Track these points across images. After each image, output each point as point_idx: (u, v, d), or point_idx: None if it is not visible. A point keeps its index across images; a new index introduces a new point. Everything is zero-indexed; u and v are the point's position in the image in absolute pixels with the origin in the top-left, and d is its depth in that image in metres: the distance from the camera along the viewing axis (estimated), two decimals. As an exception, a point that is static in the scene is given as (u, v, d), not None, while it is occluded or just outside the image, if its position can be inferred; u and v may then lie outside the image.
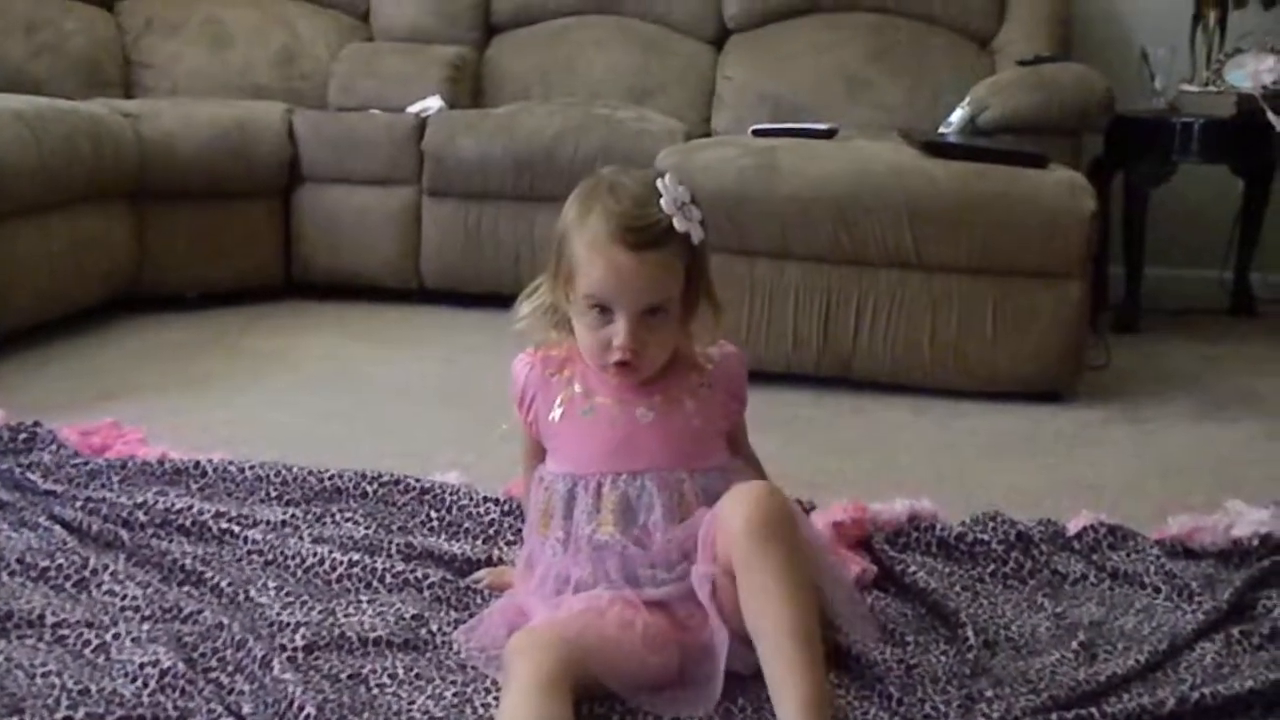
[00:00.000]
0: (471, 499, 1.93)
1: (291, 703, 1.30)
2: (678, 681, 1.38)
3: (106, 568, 1.65)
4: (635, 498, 1.47)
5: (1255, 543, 1.79)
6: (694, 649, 1.39)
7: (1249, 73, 3.43)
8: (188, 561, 1.69)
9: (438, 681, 1.41)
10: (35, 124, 3.02)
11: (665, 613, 1.42)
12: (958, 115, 3.24)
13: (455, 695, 1.38)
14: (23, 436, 2.16)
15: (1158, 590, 1.69)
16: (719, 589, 1.37)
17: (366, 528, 1.84)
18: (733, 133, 3.52)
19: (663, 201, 1.44)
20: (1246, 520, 1.83)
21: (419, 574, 1.66)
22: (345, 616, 1.55)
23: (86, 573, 1.64)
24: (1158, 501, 2.01)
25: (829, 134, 3.10)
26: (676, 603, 1.42)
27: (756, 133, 3.12)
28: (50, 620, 1.51)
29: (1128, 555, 1.79)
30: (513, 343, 1.59)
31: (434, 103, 3.73)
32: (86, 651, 1.46)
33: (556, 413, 1.53)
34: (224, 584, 1.63)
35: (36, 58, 3.82)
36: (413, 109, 3.71)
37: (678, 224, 1.43)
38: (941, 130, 3.27)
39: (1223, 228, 3.78)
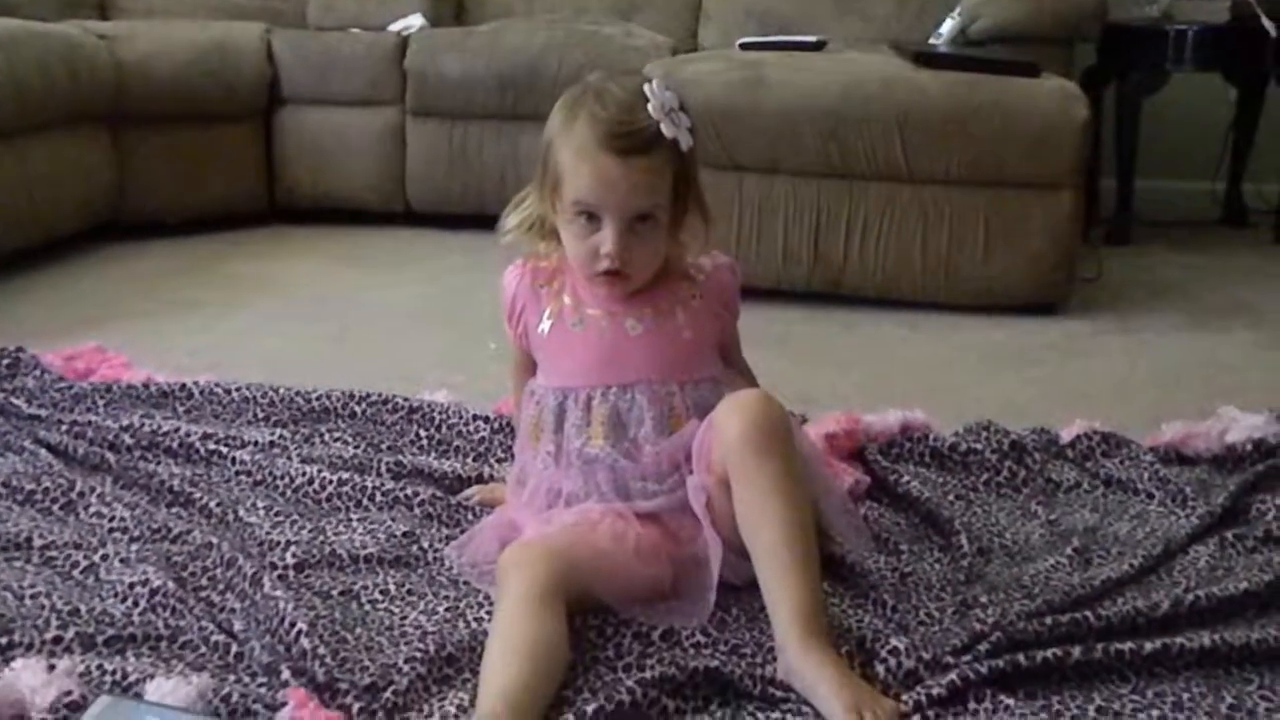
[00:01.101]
0: (461, 417, 1.91)
1: (283, 619, 1.29)
2: (671, 593, 1.37)
3: (93, 490, 1.63)
4: (625, 411, 1.45)
5: (1248, 448, 1.79)
6: (686, 561, 1.39)
7: (1244, -23, 3.38)
8: (175, 483, 1.68)
9: (430, 597, 1.40)
10: (8, 46, 2.96)
11: (657, 525, 1.41)
12: (948, 25, 3.19)
13: (448, 610, 1.37)
14: (5, 362, 2.14)
15: (1151, 496, 1.68)
16: (713, 500, 1.36)
17: (355, 447, 1.83)
18: (720, 47, 3.46)
19: (650, 107, 1.40)
20: (1240, 426, 1.83)
21: (409, 492, 1.65)
22: (335, 535, 1.54)
23: (73, 495, 1.63)
24: (1151, 409, 2.01)
25: (818, 46, 3.05)
26: (668, 515, 1.42)
27: (744, 46, 3.07)
28: (38, 542, 1.50)
29: (1121, 462, 1.79)
30: (500, 261, 1.57)
31: (415, 21, 3.66)
32: (75, 572, 1.45)
33: (546, 325, 1.50)
34: (213, 504, 1.62)
35: (8, -21, 3.73)
36: (394, 27, 3.64)
37: (665, 130, 1.39)
38: (932, 41, 3.22)
39: (1215, 138, 3.74)
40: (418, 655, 1.24)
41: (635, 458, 1.44)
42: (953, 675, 1.21)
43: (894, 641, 1.26)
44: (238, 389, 2.01)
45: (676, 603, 1.36)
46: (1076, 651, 1.24)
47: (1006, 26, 3.13)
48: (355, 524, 1.57)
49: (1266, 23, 3.26)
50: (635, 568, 1.36)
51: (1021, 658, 1.23)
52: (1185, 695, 1.22)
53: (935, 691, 1.19)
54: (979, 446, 1.80)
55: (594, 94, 1.42)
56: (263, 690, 1.21)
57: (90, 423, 1.87)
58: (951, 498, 1.68)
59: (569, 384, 1.48)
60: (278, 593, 1.35)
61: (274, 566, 1.44)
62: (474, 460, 1.81)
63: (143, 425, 1.85)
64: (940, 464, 1.79)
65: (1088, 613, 1.32)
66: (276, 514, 1.61)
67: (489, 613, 1.35)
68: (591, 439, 1.45)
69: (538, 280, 1.52)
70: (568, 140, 1.40)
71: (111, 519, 1.58)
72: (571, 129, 1.41)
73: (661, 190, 1.41)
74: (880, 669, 1.24)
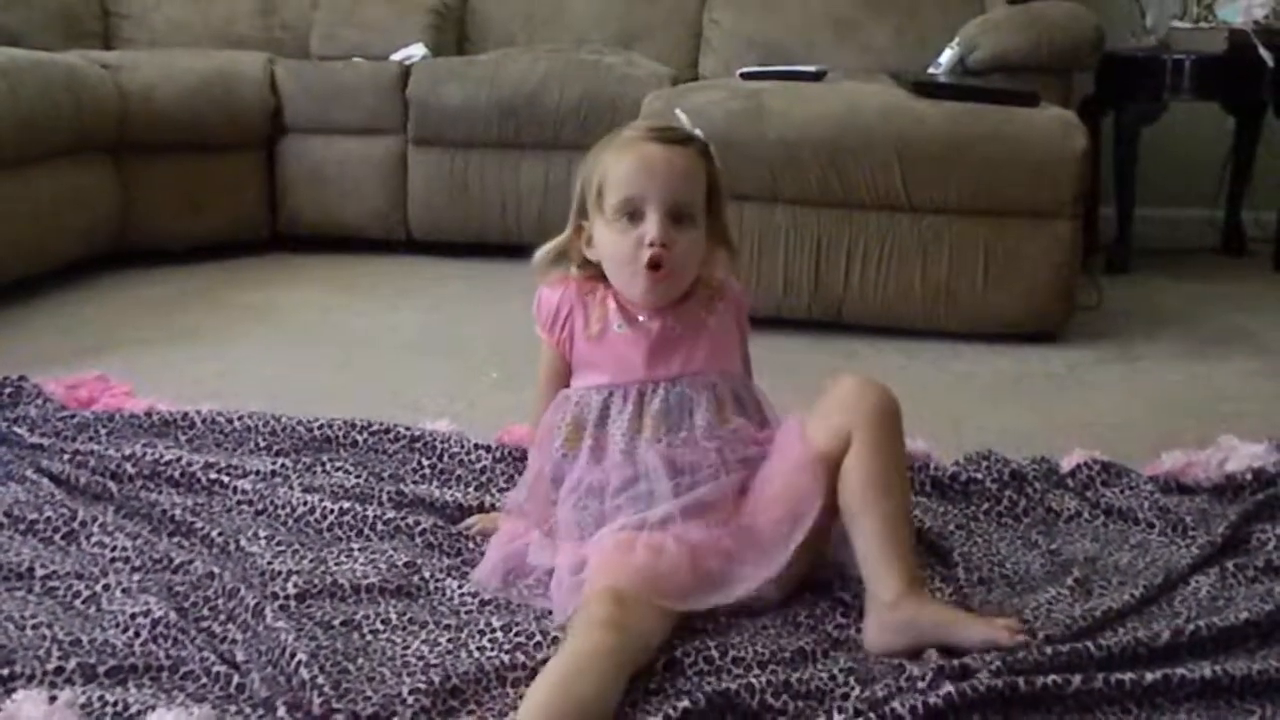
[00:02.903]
0: (462, 446, 1.92)
1: (284, 650, 1.30)
2: (715, 583, 1.39)
3: (95, 519, 1.63)
4: (677, 404, 1.51)
5: (1248, 477, 1.79)
6: (731, 547, 1.41)
7: (1240, 7, 3.41)
8: (177, 512, 1.68)
9: (431, 627, 1.40)
10: (12, 76, 2.98)
11: (699, 518, 1.43)
12: (947, 55, 3.21)
13: (450, 641, 1.37)
14: (8, 391, 2.14)
15: (1152, 526, 1.68)
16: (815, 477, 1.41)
17: (357, 476, 1.83)
18: (720, 77, 3.48)
19: (682, 121, 1.59)
20: (1240, 455, 1.83)
21: (410, 521, 1.65)
22: (337, 564, 1.54)
23: (75, 525, 1.62)
24: (1151, 438, 2.01)
25: (818, 76, 3.07)
26: (708, 510, 1.44)
27: (744, 76, 3.09)
28: (40, 573, 1.50)
29: (1122, 491, 1.79)
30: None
31: (417, 50, 3.68)
32: (77, 603, 1.45)
33: (595, 328, 1.56)
34: (214, 534, 1.62)
35: (11, 9, 3.75)
36: (396, 57, 3.66)
37: (699, 135, 1.57)
38: (931, 71, 3.24)
39: (1214, 166, 3.76)
40: (422, 687, 1.24)
41: (691, 446, 1.48)
42: (949, 688, 1.21)
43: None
44: (240, 418, 2.01)
45: (719, 593, 1.38)
46: (1076, 680, 1.24)
47: (1005, 56, 3.15)
48: (357, 554, 1.57)
49: (1264, 53, 3.29)
50: (677, 577, 1.37)
51: (1021, 682, 1.23)
52: (1187, 726, 1.21)
53: (931, 700, 1.20)
54: (979, 476, 1.80)
55: (630, 123, 1.60)
56: (264, 721, 1.21)
57: (92, 452, 1.88)
58: (952, 527, 1.68)
59: (616, 381, 1.53)
60: (279, 623, 1.35)
61: (275, 596, 1.44)
62: (475, 490, 1.80)
63: (145, 454, 1.86)
64: (941, 493, 1.80)
65: (1089, 643, 1.32)
66: (278, 544, 1.60)
67: (491, 641, 1.35)
68: (642, 432, 1.49)
69: (583, 290, 1.59)
70: (612, 145, 1.54)
71: (113, 549, 1.57)
72: (616, 138, 1.55)
73: (698, 190, 1.52)
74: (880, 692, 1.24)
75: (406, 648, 1.36)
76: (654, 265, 1.49)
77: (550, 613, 1.41)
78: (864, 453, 1.38)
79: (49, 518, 1.64)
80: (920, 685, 1.24)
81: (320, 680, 1.24)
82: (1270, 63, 3.29)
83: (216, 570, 1.49)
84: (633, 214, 1.49)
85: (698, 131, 1.57)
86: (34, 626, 1.37)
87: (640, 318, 1.55)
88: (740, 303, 1.64)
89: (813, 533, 1.42)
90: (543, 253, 1.60)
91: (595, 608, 1.29)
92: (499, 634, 1.37)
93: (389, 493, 1.74)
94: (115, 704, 1.22)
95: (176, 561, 1.54)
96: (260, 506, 1.72)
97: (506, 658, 1.31)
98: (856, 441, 1.39)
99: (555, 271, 1.60)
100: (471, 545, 1.62)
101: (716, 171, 1.56)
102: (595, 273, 1.57)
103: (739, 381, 1.58)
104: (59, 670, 1.27)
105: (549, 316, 1.59)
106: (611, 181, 1.50)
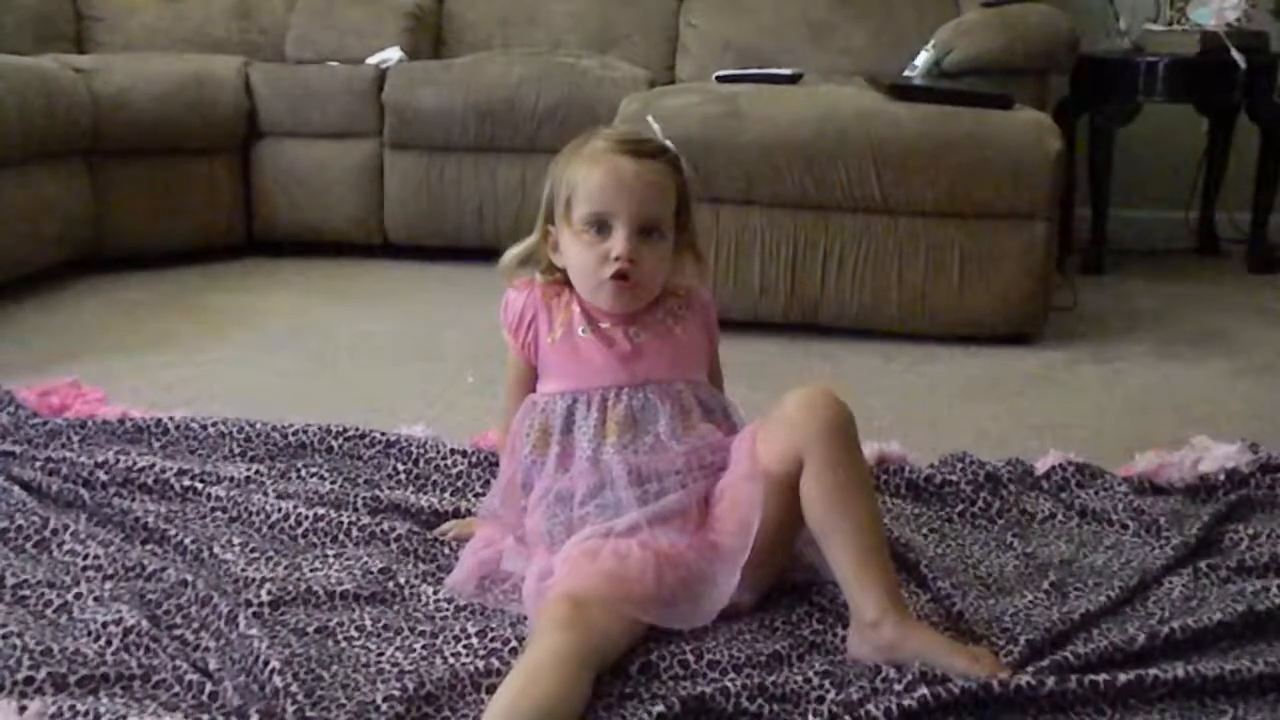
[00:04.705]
0: (438, 451, 1.91)
1: (258, 658, 1.29)
2: (683, 596, 1.38)
3: (67, 528, 1.62)
4: (639, 409, 1.50)
5: (1222, 478, 1.81)
6: (694, 563, 1.40)
7: (1213, 10, 3.42)
8: (150, 520, 1.67)
9: (406, 633, 1.40)
10: (-16, 80, 2.96)
11: (666, 526, 1.43)
12: (923, 58, 3.22)
13: (424, 647, 1.37)
14: (-21, 398, 2.13)
15: (1126, 527, 1.69)
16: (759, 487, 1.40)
17: (332, 482, 1.82)
18: (697, 80, 3.48)
19: (654, 130, 1.57)
20: (1213, 456, 1.84)
21: (386, 527, 1.64)
22: (311, 571, 1.54)
23: (47, 533, 1.61)
24: (1125, 439, 2.02)
25: (794, 79, 3.07)
26: (675, 518, 1.43)
27: (721, 79, 3.09)
28: (10, 581, 1.48)
29: (1096, 493, 1.80)
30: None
31: (393, 54, 3.67)
32: (48, 611, 1.44)
33: (558, 333, 1.55)
34: (187, 541, 1.61)
35: (-17, 13, 3.73)
36: (372, 60, 3.65)
37: (669, 147, 1.53)
38: (907, 74, 3.25)
39: (1188, 167, 3.79)
40: (396, 694, 1.23)
41: (657, 453, 1.48)
42: (924, 690, 1.21)
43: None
44: (214, 424, 2.00)
45: (688, 607, 1.38)
46: (1050, 681, 1.25)
47: (980, 59, 3.16)
48: (331, 560, 1.57)
49: (1236, 54, 3.31)
50: (643, 582, 1.36)
51: (995, 684, 1.24)
52: (1160, 727, 1.22)
53: (906, 703, 1.20)
54: (954, 478, 1.80)
55: (601, 128, 1.56)
56: (237, 730, 1.20)
57: (65, 459, 1.86)
58: (926, 530, 1.69)
59: (580, 387, 1.52)
60: (253, 631, 1.34)
61: (249, 604, 1.43)
62: (451, 495, 1.80)
63: (118, 461, 1.84)
64: (915, 495, 1.80)
65: (1067, 654, 1.32)
66: (252, 550, 1.60)
67: (466, 647, 1.35)
68: (606, 438, 1.48)
69: (547, 294, 1.58)
70: (581, 155, 1.51)
71: (85, 557, 1.56)
72: (585, 146, 1.52)
73: (668, 204, 1.51)
74: (855, 694, 1.24)
75: (381, 654, 1.35)
76: (620, 276, 1.48)
77: (525, 618, 1.41)
78: (819, 473, 1.36)
79: (20, 526, 1.62)
80: (896, 688, 1.25)
81: (294, 688, 1.23)
82: (1243, 64, 3.31)
83: (189, 578, 1.48)
84: (600, 227, 1.48)
85: (668, 142, 1.56)
86: (4, 636, 1.35)
87: (603, 324, 1.54)
88: (709, 310, 1.63)
89: (776, 541, 1.42)
90: (510, 256, 1.59)
91: (552, 610, 1.30)
92: (474, 640, 1.37)
93: (364, 498, 1.74)
94: (86, 713, 1.21)
95: (149, 569, 1.53)
96: (234, 513, 1.71)
97: (481, 664, 1.31)
98: (810, 462, 1.37)
99: (523, 274, 1.59)
100: (447, 551, 1.61)
101: (686, 182, 1.55)
102: (562, 277, 1.56)
103: (705, 389, 1.57)
104: (29, 680, 1.26)
105: (514, 319, 1.57)
106: (581, 194, 1.48)
